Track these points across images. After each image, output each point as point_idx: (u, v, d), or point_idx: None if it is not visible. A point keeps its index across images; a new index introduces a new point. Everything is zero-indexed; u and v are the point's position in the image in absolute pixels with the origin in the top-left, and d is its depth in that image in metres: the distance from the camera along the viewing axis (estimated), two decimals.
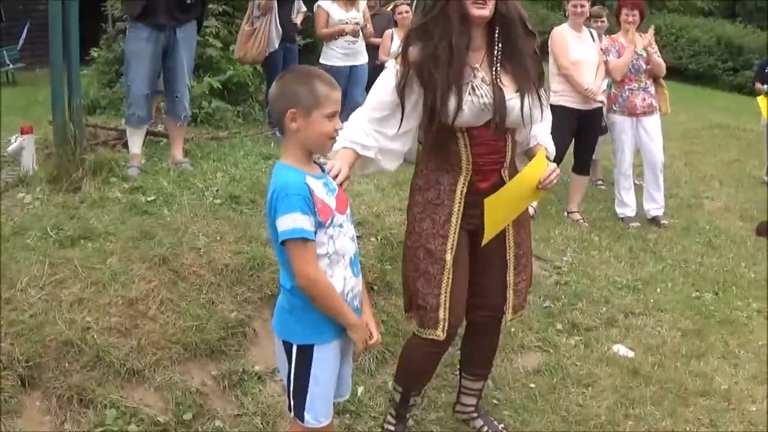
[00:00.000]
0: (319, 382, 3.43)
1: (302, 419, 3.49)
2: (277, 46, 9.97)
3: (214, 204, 6.19)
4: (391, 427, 4.48)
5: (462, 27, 3.90)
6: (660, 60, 8.89)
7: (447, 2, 3.91)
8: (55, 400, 4.19)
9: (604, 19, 10.23)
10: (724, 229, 8.96)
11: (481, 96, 3.93)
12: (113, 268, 4.99)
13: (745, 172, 12.00)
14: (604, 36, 9.18)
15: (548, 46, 8.77)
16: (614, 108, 8.79)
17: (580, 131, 8.65)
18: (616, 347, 5.78)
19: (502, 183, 4.06)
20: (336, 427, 4.50)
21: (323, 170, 3.52)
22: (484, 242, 4.04)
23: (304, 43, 12.28)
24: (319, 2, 10.18)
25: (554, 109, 8.54)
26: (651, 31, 8.92)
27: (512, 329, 5.83)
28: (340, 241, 3.41)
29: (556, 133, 8.61)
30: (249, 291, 5.22)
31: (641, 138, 8.85)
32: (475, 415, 4.65)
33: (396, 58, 4.10)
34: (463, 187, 4.06)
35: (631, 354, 5.71)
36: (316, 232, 3.31)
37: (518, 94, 4.00)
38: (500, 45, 3.99)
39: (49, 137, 7.41)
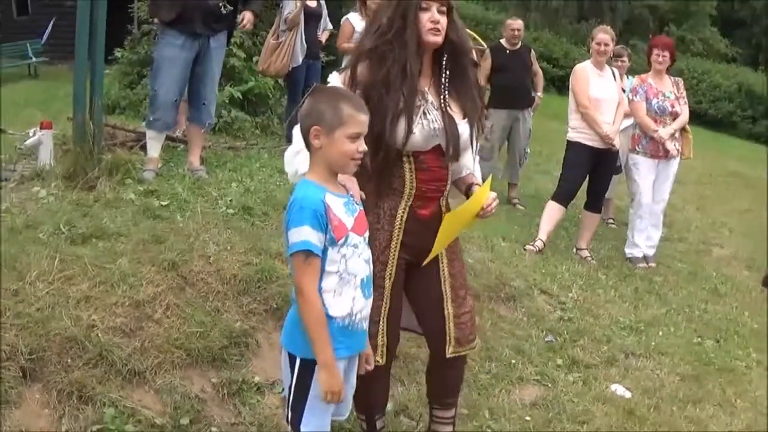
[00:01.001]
0: (318, 397, 3.45)
1: (298, 431, 3.53)
2: (300, 61, 10.05)
3: (227, 214, 6.24)
4: None
5: (416, 53, 3.93)
6: (686, 108, 8.93)
7: (404, 28, 3.92)
8: (55, 395, 4.21)
9: (625, 58, 10.31)
10: (730, 277, 9.00)
11: (432, 121, 3.93)
12: (122, 268, 5.02)
13: (757, 222, 12.02)
14: (626, 76, 9.24)
15: (569, 81, 8.86)
16: (637, 149, 8.83)
17: (596, 169, 8.70)
18: (614, 387, 5.77)
19: (440, 212, 4.08)
20: None
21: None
22: (426, 261, 4.04)
23: (326, 59, 12.35)
24: (348, 16, 10.25)
25: (571, 145, 8.71)
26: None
27: (512, 361, 5.85)
28: (353, 261, 3.45)
29: (571, 168, 8.77)
30: (255, 302, 5.24)
31: (655, 177, 8.87)
32: None
33: (339, 72, 4.10)
34: (403, 213, 4.03)
35: (628, 395, 5.70)
36: (327, 249, 3.36)
37: (466, 120, 4.04)
38: (447, 72, 4.02)
39: (67, 133, 7.48)
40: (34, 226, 5.40)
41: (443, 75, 4.03)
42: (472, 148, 4.13)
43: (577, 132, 8.63)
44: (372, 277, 3.60)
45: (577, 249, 8.95)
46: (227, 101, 12.06)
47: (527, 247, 8.51)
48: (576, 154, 8.74)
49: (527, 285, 7.14)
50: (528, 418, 5.20)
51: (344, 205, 3.45)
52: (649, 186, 8.88)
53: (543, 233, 8.75)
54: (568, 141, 8.86)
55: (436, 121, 3.95)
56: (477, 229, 8.15)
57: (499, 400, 5.37)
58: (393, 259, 4.06)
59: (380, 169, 3.96)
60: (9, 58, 20.94)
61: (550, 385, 5.70)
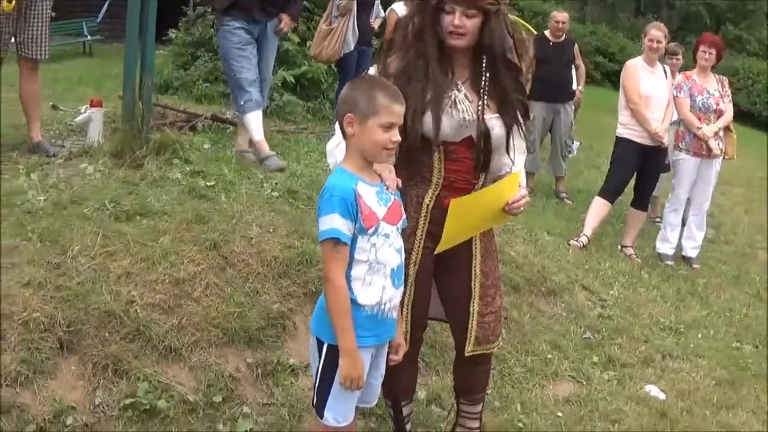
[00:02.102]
0: None
1: (321, 416, 3.56)
2: (352, 47, 10.09)
3: (272, 196, 6.27)
4: None
5: (439, 53, 3.93)
6: (730, 107, 8.84)
7: (423, 28, 3.93)
8: (91, 367, 4.27)
9: (680, 56, 10.21)
10: None
11: (462, 111, 3.91)
12: (164, 246, 5.07)
13: None
14: (678, 74, 9.17)
15: (621, 77, 8.82)
16: (681, 146, 8.76)
17: (643, 166, 8.66)
18: (648, 387, 5.75)
19: None
20: (360, 429, 4.57)
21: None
22: (438, 250, 3.99)
23: (378, 46, 12.39)
24: (394, 5, 10.24)
25: (620, 141, 8.68)
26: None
27: (548, 356, 5.86)
28: (384, 251, 3.47)
29: (619, 165, 8.73)
30: (294, 285, 5.27)
31: (697, 177, 8.80)
32: None
33: (377, 66, 4.10)
34: (430, 202, 4.02)
35: (662, 396, 5.67)
36: (357, 238, 3.39)
37: (498, 116, 4.01)
38: (487, 75, 4.00)
39: (118, 112, 7.57)
40: (80, 202, 5.45)
41: (483, 75, 4.01)
42: (510, 145, 4.08)
43: (627, 128, 8.59)
44: (402, 267, 3.61)
45: (622, 246, 8.91)
46: (280, 85, 12.14)
47: (571, 242, 8.48)
48: (624, 151, 8.70)
49: (569, 280, 7.12)
50: (560, 414, 5.19)
51: (377, 194, 3.47)
52: (689, 184, 8.82)
53: (588, 229, 8.73)
54: (617, 137, 8.82)
55: (467, 111, 3.93)
56: (521, 222, 8.15)
57: (532, 394, 5.37)
58: (418, 247, 4.05)
59: (408, 157, 3.96)
60: (64, 35, 21.12)
61: (584, 383, 5.69)
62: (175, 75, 13.85)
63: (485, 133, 3.96)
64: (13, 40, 6.95)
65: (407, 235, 3.91)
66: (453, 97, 3.94)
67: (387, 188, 3.56)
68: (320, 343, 3.51)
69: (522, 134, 4.15)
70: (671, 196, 9.02)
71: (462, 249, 4.09)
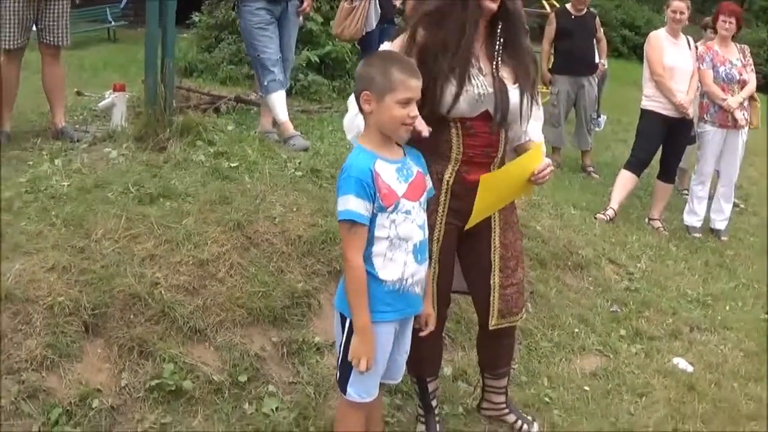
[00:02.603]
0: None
1: (345, 392, 3.57)
2: (374, 25, 10.04)
3: (295, 176, 6.26)
4: (422, 419, 4.48)
5: (475, 18, 3.90)
6: (753, 76, 8.75)
7: None
8: (116, 349, 4.30)
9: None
10: None
11: (477, 86, 3.89)
12: (188, 228, 5.09)
13: None
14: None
15: (644, 49, 8.75)
16: (705, 117, 8.67)
17: (669, 138, 8.59)
18: (676, 360, 5.72)
19: None
20: (386, 406, 4.58)
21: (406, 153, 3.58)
22: (468, 225, 3.98)
23: (401, 24, 12.36)
24: None
25: (644, 113, 8.62)
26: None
27: (575, 330, 5.85)
28: (405, 226, 3.46)
29: (644, 137, 8.68)
30: (318, 264, 5.27)
31: (723, 148, 8.73)
32: (507, 411, 4.58)
33: (391, 41, 4.08)
34: (450, 177, 4.00)
35: (690, 369, 5.64)
36: (376, 216, 3.38)
37: (516, 86, 3.98)
38: (502, 40, 3.98)
39: (142, 96, 7.58)
40: (103, 186, 5.48)
41: (497, 42, 3.99)
42: (526, 114, 4.06)
43: (651, 100, 8.54)
44: (426, 243, 3.60)
45: (650, 219, 8.86)
46: (304, 65, 12.15)
47: (598, 215, 8.45)
48: (649, 123, 8.64)
49: (595, 254, 7.09)
50: (587, 387, 5.17)
51: (397, 171, 3.46)
52: (715, 155, 8.73)
53: (614, 202, 8.69)
54: (642, 109, 8.76)
55: (482, 86, 3.90)
56: (548, 196, 8.12)
57: (559, 368, 5.36)
58: (441, 223, 4.04)
59: (432, 132, 3.95)
60: (89, 22, 21.19)
61: (611, 356, 5.67)
62: (200, 58, 13.91)
63: (504, 106, 3.94)
64: (34, 27, 6.99)
65: (429, 211, 3.88)
66: (468, 72, 3.91)
67: (420, 133, 3.58)
68: (343, 319, 3.53)
69: (537, 101, 4.14)
70: (697, 169, 8.93)
71: (482, 222, 4.08)
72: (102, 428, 3.98)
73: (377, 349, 3.48)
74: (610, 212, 8.55)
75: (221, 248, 5.03)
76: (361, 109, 3.48)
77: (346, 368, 3.54)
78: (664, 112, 8.44)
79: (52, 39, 6.99)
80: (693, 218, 8.91)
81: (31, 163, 6.01)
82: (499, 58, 4.00)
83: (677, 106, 8.31)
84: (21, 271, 4.38)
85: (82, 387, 4.07)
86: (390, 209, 3.40)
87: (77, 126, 7.59)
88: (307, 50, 12.40)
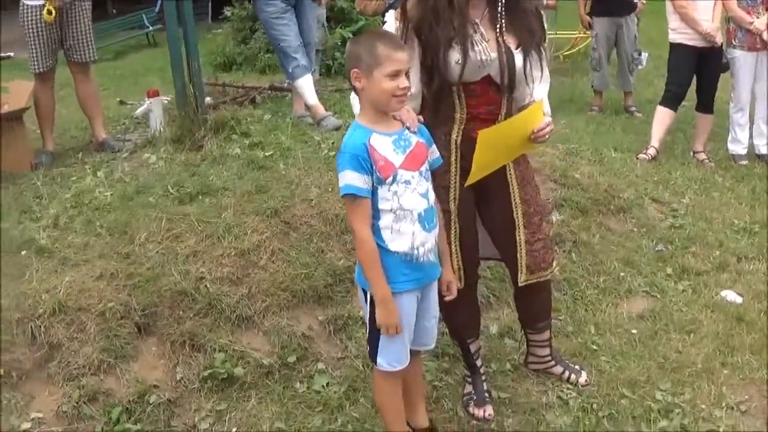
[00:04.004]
0: None
1: (376, 362, 3.69)
2: None
3: (329, 156, 6.38)
4: (468, 379, 4.56)
5: None
6: None
7: None
8: (169, 346, 4.48)
9: None
10: None
11: (480, 52, 3.93)
12: (227, 221, 5.24)
13: None
14: None
15: None
16: (734, 43, 8.58)
17: (701, 69, 8.52)
18: (724, 293, 5.70)
19: None
20: (433, 370, 4.70)
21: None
22: (469, 182, 3.99)
23: None
24: None
25: (673, 47, 8.59)
26: None
27: (621, 274, 5.87)
28: (407, 197, 3.53)
29: (675, 70, 8.63)
30: None
31: (757, 71, 8.64)
32: (552, 363, 4.65)
33: (395, 12, 4.11)
34: (457, 137, 4.06)
35: (739, 300, 5.62)
36: (377, 189, 3.48)
37: (520, 50, 4.02)
38: (503, 3, 4.00)
39: None
40: (144, 191, 5.68)
41: (499, 5, 4.02)
42: (530, 76, 4.08)
43: (678, 33, 8.48)
44: (432, 210, 3.67)
45: (694, 152, 8.80)
46: (339, 43, 12.24)
47: (639, 155, 8.44)
48: (679, 56, 8.59)
49: (637, 195, 7.07)
50: (634, 331, 5.20)
51: (393, 143, 3.54)
52: (749, 80, 8.62)
53: (655, 140, 8.67)
54: (670, 43, 8.69)
55: (484, 52, 3.95)
56: (587, 143, 8.15)
57: (606, 314, 5.39)
58: (454, 183, 4.10)
59: (435, 98, 4.03)
60: (127, 29, 21.52)
61: (658, 296, 5.68)
62: (237, 51, 14.09)
63: (509, 70, 4.00)
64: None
65: (442, 172, 3.97)
66: (470, 38, 3.97)
67: (408, 128, 3.64)
68: (365, 293, 3.64)
69: (540, 63, 4.16)
70: (733, 96, 8.82)
71: (498, 181, 4.14)
72: (161, 422, 4.17)
73: (402, 319, 3.58)
74: (651, 151, 8.53)
75: (261, 236, 5.18)
76: (354, 88, 3.58)
77: (373, 340, 3.66)
78: (692, 43, 8.38)
79: (79, 57, 7.19)
80: (737, 146, 8.83)
81: (74, 178, 6.22)
82: (503, 23, 4.03)
83: (704, 35, 8.25)
84: (71, 283, 4.58)
85: (140, 385, 4.26)
86: (389, 181, 3.48)
87: (119, 136, 7.80)
88: (341, 28, 12.50)
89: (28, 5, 6.90)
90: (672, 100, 8.78)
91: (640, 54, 11.38)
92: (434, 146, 3.77)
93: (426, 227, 3.59)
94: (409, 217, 3.54)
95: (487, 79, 4.00)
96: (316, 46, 8.78)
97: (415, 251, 3.56)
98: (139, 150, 6.88)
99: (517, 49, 4.03)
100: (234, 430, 4.23)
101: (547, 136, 4.01)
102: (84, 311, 4.45)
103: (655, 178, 7.76)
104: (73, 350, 4.30)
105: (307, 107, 7.88)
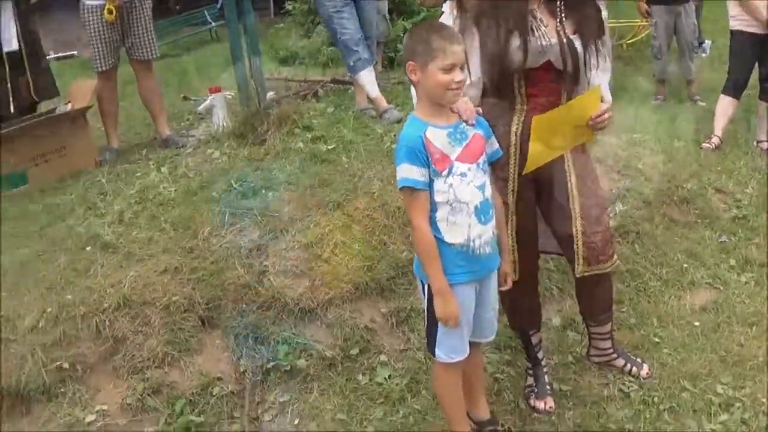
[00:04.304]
0: None
1: (434, 354, 3.71)
2: None
3: (391, 149, 6.36)
4: (530, 372, 4.57)
5: None
6: None
7: None
8: (232, 338, 4.56)
9: None
10: None
11: (539, 38, 3.93)
12: (290, 215, 5.30)
13: None
14: None
15: None
16: None
17: (763, 56, 8.38)
18: None
19: None
20: (495, 362, 4.72)
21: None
22: (525, 171, 3.99)
23: None
24: None
25: (733, 34, 8.49)
26: None
27: (684, 266, 5.83)
28: (462, 189, 3.54)
29: (736, 58, 8.49)
30: None
31: None
32: (614, 355, 4.63)
33: (451, 2, 4.11)
34: (517, 128, 4.05)
35: None
36: (433, 181, 3.50)
37: (579, 36, 4.00)
38: None
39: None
40: (208, 186, 5.75)
41: None
42: (590, 64, 4.06)
43: (737, 20, 8.34)
44: (489, 203, 3.67)
45: (758, 141, 8.65)
46: (401, 35, 12.22)
47: (703, 145, 8.33)
48: (739, 43, 8.45)
49: (701, 185, 6.98)
50: (697, 323, 5.17)
51: (449, 136, 3.55)
52: None
53: (718, 129, 8.55)
54: (730, 30, 8.55)
55: (543, 37, 3.95)
56: (650, 132, 8.06)
57: (669, 306, 5.36)
58: (514, 174, 4.10)
59: (495, 88, 4.04)
60: (191, 26, 21.71)
61: (721, 288, 5.62)
62: (300, 45, 14.13)
63: (570, 55, 3.99)
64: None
65: (501, 164, 3.98)
66: (529, 24, 3.97)
67: (466, 122, 3.65)
68: (423, 285, 3.66)
69: (601, 51, 4.14)
70: None
71: (556, 172, 4.13)
72: (224, 414, 4.24)
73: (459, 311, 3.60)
74: (714, 140, 8.42)
75: (324, 230, 5.22)
76: (410, 80, 3.60)
77: (431, 331, 3.68)
78: (752, 30, 8.23)
79: (140, 54, 7.28)
80: None
81: (138, 174, 6.31)
82: (562, 13, 4.03)
83: (764, 23, 8.12)
84: (135, 278, 4.67)
85: (203, 377, 4.33)
86: (444, 173, 3.50)
87: (182, 132, 7.90)
88: (403, 20, 12.49)
89: (88, 5, 7.00)
90: (733, 88, 8.65)
91: (701, 42, 11.24)
92: (493, 138, 3.77)
93: (482, 220, 3.60)
94: (465, 210, 3.55)
95: (547, 66, 3.99)
96: (378, 38, 8.81)
97: (471, 243, 3.57)
98: (202, 145, 6.95)
99: (575, 35, 4.03)
100: (296, 421, 4.30)
101: (606, 123, 4.00)
102: (148, 305, 4.54)
103: (718, 168, 7.65)
104: (138, 343, 4.40)
105: (370, 100, 7.91)
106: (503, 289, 3.90)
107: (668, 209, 6.57)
